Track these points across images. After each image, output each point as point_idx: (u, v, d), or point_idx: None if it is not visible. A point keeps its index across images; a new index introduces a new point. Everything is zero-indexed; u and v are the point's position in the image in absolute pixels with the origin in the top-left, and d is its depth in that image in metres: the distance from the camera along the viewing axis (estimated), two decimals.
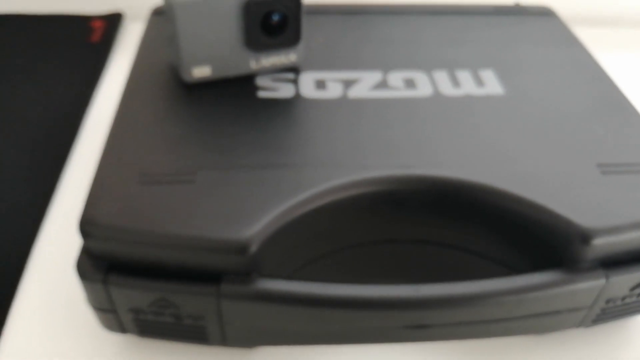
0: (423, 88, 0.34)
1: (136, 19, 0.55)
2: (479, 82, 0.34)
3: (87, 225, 0.25)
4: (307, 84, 0.34)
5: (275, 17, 0.32)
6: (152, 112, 0.31)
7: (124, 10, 0.58)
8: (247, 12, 0.31)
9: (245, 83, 0.34)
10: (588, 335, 0.31)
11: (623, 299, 0.28)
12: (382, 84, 0.34)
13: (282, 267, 0.27)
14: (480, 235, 0.29)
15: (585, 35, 0.40)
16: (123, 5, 0.58)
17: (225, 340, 0.27)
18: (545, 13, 0.41)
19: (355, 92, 0.33)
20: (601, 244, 0.26)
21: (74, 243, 0.28)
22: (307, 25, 0.34)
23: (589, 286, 0.26)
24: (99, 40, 0.53)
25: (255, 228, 0.25)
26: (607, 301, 0.28)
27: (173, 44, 0.32)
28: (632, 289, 0.28)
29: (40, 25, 0.55)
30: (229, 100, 0.32)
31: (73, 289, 0.31)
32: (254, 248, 0.25)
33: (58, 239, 0.35)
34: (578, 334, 0.31)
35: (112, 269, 0.25)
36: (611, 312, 0.29)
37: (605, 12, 0.61)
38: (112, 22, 0.56)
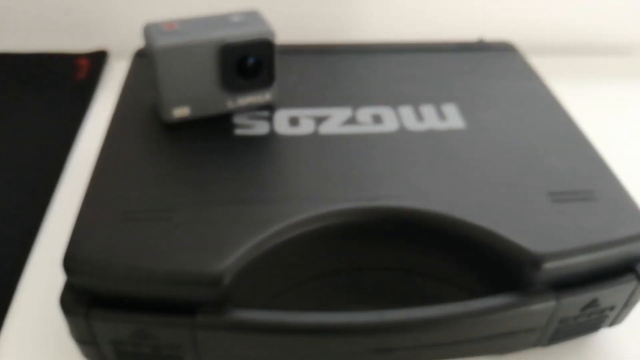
0: (389, 123, 0.36)
1: (121, 57, 0.57)
2: (442, 116, 0.37)
3: (70, 262, 0.26)
4: (282, 121, 0.36)
5: (250, 61, 0.34)
6: (133, 150, 0.33)
7: (109, 48, 0.60)
8: (224, 57, 0.33)
9: (222, 121, 0.36)
10: (547, 354, 0.33)
11: (575, 318, 0.30)
12: (352, 120, 0.36)
13: (256, 297, 0.29)
14: (441, 261, 0.31)
15: (546, 64, 0.43)
16: (108, 43, 0.60)
17: None
18: (507, 48, 0.44)
19: (326, 128, 0.36)
20: (551, 268, 0.28)
21: (59, 278, 0.30)
22: (281, 65, 0.36)
23: (541, 308, 0.28)
24: (84, 78, 0.55)
25: (228, 261, 0.27)
26: (560, 321, 0.30)
27: (154, 86, 0.34)
28: (583, 309, 0.30)
29: (26, 64, 0.57)
30: (207, 139, 0.34)
31: (57, 322, 0.32)
32: (227, 280, 0.26)
33: (44, 274, 0.36)
34: (537, 353, 0.33)
35: (94, 303, 0.27)
36: (565, 331, 0.30)
37: (565, 41, 0.65)
38: (97, 60, 0.58)
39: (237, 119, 0.36)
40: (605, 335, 0.34)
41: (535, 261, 0.28)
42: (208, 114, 0.35)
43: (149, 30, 0.32)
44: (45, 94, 0.53)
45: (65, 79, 0.55)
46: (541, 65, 0.43)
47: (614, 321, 0.32)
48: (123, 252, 0.27)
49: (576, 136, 0.36)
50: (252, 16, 0.34)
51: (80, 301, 0.27)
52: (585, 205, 0.31)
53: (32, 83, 0.54)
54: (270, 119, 0.36)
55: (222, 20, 0.33)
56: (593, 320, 0.31)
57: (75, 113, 0.51)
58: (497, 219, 0.29)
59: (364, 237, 0.30)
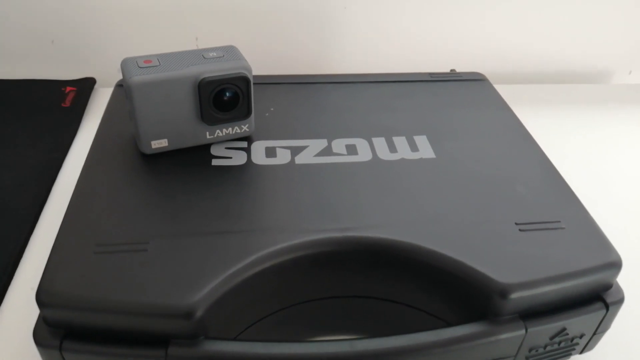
0: (363, 154, 0.37)
1: (108, 85, 0.58)
2: (414, 147, 0.38)
3: (43, 296, 0.27)
4: (258, 151, 0.37)
5: (227, 95, 0.35)
6: (111, 182, 0.34)
7: (97, 76, 0.61)
8: (201, 91, 0.34)
9: (200, 152, 0.37)
10: None
11: (545, 347, 0.30)
12: (327, 151, 0.37)
13: (229, 329, 0.29)
14: (412, 291, 0.31)
15: (516, 93, 0.45)
16: (97, 71, 0.61)
17: None
18: (478, 79, 0.46)
19: (302, 159, 0.36)
20: (518, 297, 0.28)
21: (36, 309, 0.30)
22: (258, 95, 0.37)
23: (510, 337, 0.29)
24: (71, 105, 0.56)
25: (200, 294, 0.27)
26: (530, 350, 0.30)
27: (131, 119, 0.35)
28: (552, 337, 0.30)
29: (13, 90, 0.58)
30: (185, 169, 0.35)
31: (34, 354, 0.32)
32: (199, 313, 0.27)
33: (23, 306, 0.37)
34: None
35: (68, 336, 0.27)
36: (536, 359, 0.31)
37: (534, 70, 0.66)
38: (84, 88, 0.59)
39: (215, 150, 0.37)
40: None
41: (502, 291, 0.28)
42: (187, 145, 0.36)
43: (126, 65, 0.33)
44: (31, 121, 0.54)
45: (52, 106, 0.56)
46: (512, 93, 0.44)
47: (585, 348, 0.33)
48: (96, 285, 0.27)
49: (544, 166, 0.37)
50: (229, 51, 0.35)
51: (54, 334, 0.27)
52: (553, 235, 0.31)
53: (18, 109, 0.55)
54: (247, 150, 0.37)
55: (199, 55, 0.34)
56: (563, 348, 0.31)
57: (62, 140, 0.51)
58: (465, 249, 0.30)
59: (337, 267, 0.31)
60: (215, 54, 0.35)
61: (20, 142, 0.51)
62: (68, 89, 0.59)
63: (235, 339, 0.28)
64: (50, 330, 0.27)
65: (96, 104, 0.58)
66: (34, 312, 0.28)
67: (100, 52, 0.61)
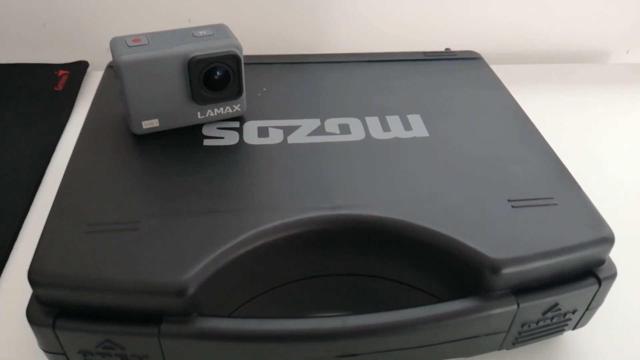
0: (356, 133, 0.37)
1: (101, 68, 0.57)
2: (407, 126, 0.37)
3: (35, 275, 0.27)
4: (250, 131, 0.37)
5: (218, 74, 0.35)
6: (102, 162, 0.34)
7: (89, 59, 0.61)
8: (191, 70, 0.34)
9: (192, 132, 0.36)
10: (512, 356, 0.33)
11: (537, 322, 0.31)
12: (320, 130, 0.37)
13: (222, 306, 0.29)
14: (404, 267, 0.31)
15: (511, 72, 0.44)
16: (90, 54, 0.61)
17: None
18: (472, 57, 0.45)
19: (294, 138, 0.36)
20: (510, 273, 0.29)
21: (29, 290, 0.30)
22: (250, 75, 0.37)
23: (502, 312, 0.29)
24: (64, 88, 0.56)
25: (192, 271, 0.27)
26: (523, 325, 0.30)
27: (122, 99, 0.35)
28: (544, 313, 0.30)
29: (5, 74, 0.58)
30: (177, 149, 0.35)
31: (28, 332, 0.33)
32: (192, 290, 0.27)
33: (17, 285, 0.37)
34: (502, 355, 0.33)
35: (61, 314, 0.27)
36: (528, 334, 0.31)
37: (530, 50, 0.66)
38: (77, 71, 0.58)
39: (207, 130, 0.37)
40: (570, 338, 0.35)
41: (494, 267, 0.28)
42: (178, 126, 0.36)
43: (115, 45, 0.33)
44: (24, 105, 0.53)
45: (45, 90, 0.56)
46: (508, 73, 0.44)
47: (578, 324, 0.33)
48: (88, 263, 0.27)
49: (537, 143, 0.37)
50: (219, 29, 0.35)
51: (47, 313, 0.27)
52: (545, 211, 0.31)
53: (11, 94, 0.55)
54: (239, 130, 0.37)
55: (188, 34, 0.34)
56: (555, 323, 0.31)
57: (55, 123, 0.51)
58: (456, 225, 0.30)
59: (329, 245, 0.31)
60: (205, 32, 0.34)
61: (13, 126, 0.51)
62: (61, 72, 0.58)
63: (228, 317, 0.28)
64: (43, 309, 0.27)
65: (89, 87, 0.57)
66: (28, 293, 0.28)
67: (93, 35, 0.60)
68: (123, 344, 0.27)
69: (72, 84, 0.56)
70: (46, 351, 0.29)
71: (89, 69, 0.60)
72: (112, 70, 0.42)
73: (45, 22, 0.60)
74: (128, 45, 0.33)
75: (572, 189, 0.33)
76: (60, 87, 0.56)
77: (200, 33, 0.34)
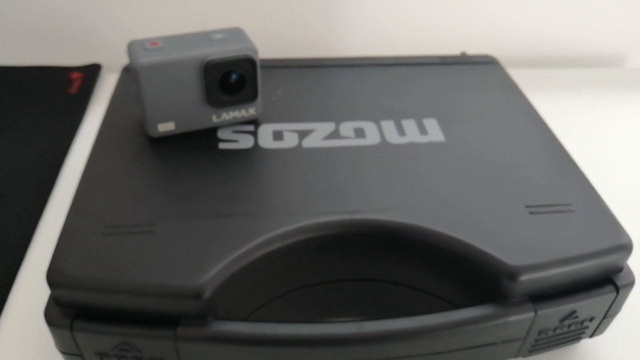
0: (371, 137, 0.37)
1: (115, 70, 0.58)
2: (423, 130, 0.37)
3: (54, 276, 0.27)
4: (266, 135, 0.37)
5: (234, 77, 0.35)
6: (118, 164, 0.34)
7: (104, 61, 0.61)
8: (207, 73, 0.34)
9: (207, 135, 0.36)
10: None
11: (554, 330, 0.30)
12: (335, 134, 0.37)
13: (238, 310, 0.29)
14: (421, 273, 0.31)
15: (528, 77, 0.44)
16: (103, 56, 0.61)
17: None
18: (489, 62, 0.45)
19: (309, 142, 0.36)
20: (528, 280, 0.28)
21: (46, 291, 0.30)
22: (265, 79, 0.37)
23: (520, 319, 0.29)
24: (77, 91, 0.56)
25: (208, 274, 0.27)
26: (540, 332, 0.30)
27: (138, 101, 0.35)
28: (562, 320, 0.30)
29: (19, 77, 0.58)
30: (192, 152, 0.35)
31: (45, 334, 0.33)
32: (208, 293, 0.27)
33: (34, 286, 0.37)
34: None
35: (78, 316, 0.27)
36: (545, 342, 0.31)
37: (547, 54, 0.66)
38: (91, 74, 0.59)
39: (222, 134, 0.37)
40: (587, 346, 0.34)
41: (512, 273, 0.28)
42: (193, 129, 0.36)
43: (132, 48, 0.33)
44: (38, 107, 0.54)
45: (59, 92, 0.56)
46: (523, 77, 0.43)
47: (595, 332, 0.32)
48: (105, 265, 0.27)
49: (555, 149, 0.36)
50: (235, 33, 0.35)
51: (65, 314, 0.27)
52: (563, 218, 0.31)
53: (25, 96, 0.55)
54: (254, 133, 0.37)
55: (205, 37, 0.34)
56: (573, 331, 0.31)
57: (68, 126, 0.51)
58: (474, 231, 0.30)
59: (345, 250, 0.31)
60: (221, 36, 0.34)
61: (27, 128, 0.51)
62: (74, 75, 0.59)
63: (244, 320, 0.28)
64: (61, 310, 0.28)
65: (102, 90, 0.58)
66: (44, 295, 0.28)
67: (106, 38, 0.61)
68: (139, 347, 0.27)
69: (86, 87, 0.57)
70: (63, 352, 0.29)
71: (101, 72, 0.60)
72: (128, 74, 0.42)
73: (59, 25, 0.60)
74: (145, 49, 0.33)
75: (589, 194, 0.33)
76: (74, 90, 0.56)
77: (217, 36, 0.34)
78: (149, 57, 0.32)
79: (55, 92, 0.56)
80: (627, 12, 0.64)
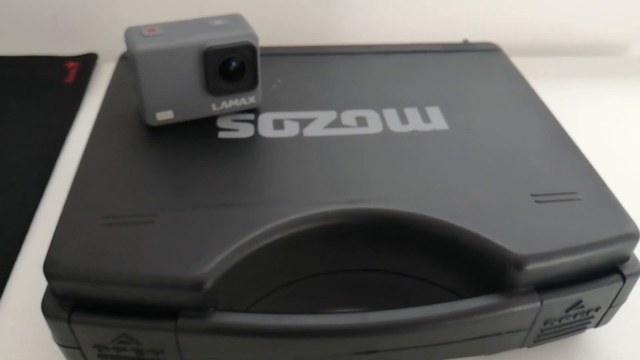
0: (374, 125, 0.36)
1: (111, 60, 0.57)
2: (426, 118, 0.37)
3: (51, 268, 0.26)
4: (266, 124, 0.36)
5: (233, 64, 0.34)
6: (116, 154, 0.33)
7: (100, 51, 0.60)
8: (206, 60, 0.33)
9: (207, 124, 0.36)
10: (533, 354, 0.33)
11: (560, 320, 0.30)
12: (336, 123, 0.36)
13: (239, 301, 0.29)
14: (425, 263, 0.31)
15: (531, 65, 0.43)
16: (99, 46, 0.60)
17: None
18: (492, 49, 0.44)
19: (310, 131, 0.35)
20: (534, 269, 0.28)
21: (43, 283, 0.30)
22: (265, 67, 0.36)
23: (525, 309, 0.28)
24: (74, 80, 0.55)
25: (209, 265, 0.26)
26: (545, 322, 0.30)
27: (136, 89, 0.34)
28: (567, 310, 0.29)
29: (15, 67, 0.57)
30: (191, 142, 0.34)
31: (42, 326, 0.32)
32: (209, 284, 0.26)
33: (30, 278, 0.36)
34: (524, 353, 0.33)
35: (76, 307, 0.27)
36: (551, 332, 0.30)
37: (549, 42, 0.65)
38: (87, 63, 0.58)
39: (221, 122, 0.36)
40: (592, 336, 0.34)
41: (518, 263, 0.28)
42: (192, 117, 0.35)
43: (130, 35, 0.32)
44: (34, 97, 0.53)
45: (55, 82, 0.55)
46: (526, 66, 0.43)
47: (600, 322, 0.32)
48: (104, 256, 0.27)
49: (560, 137, 0.36)
50: (234, 19, 0.34)
51: (62, 306, 0.27)
52: (569, 206, 0.31)
53: (21, 86, 0.54)
54: (254, 122, 0.36)
55: (204, 24, 0.33)
56: (578, 321, 0.31)
57: (65, 116, 0.51)
58: (480, 220, 0.29)
59: (348, 240, 0.30)
60: (220, 22, 0.34)
61: (23, 118, 0.50)
62: (71, 64, 0.58)
63: (245, 311, 0.28)
64: (59, 302, 0.27)
65: (99, 80, 0.57)
66: (41, 286, 0.28)
67: (102, 27, 0.60)
68: (139, 339, 0.27)
69: (83, 76, 0.56)
70: (61, 345, 0.28)
71: (98, 61, 0.59)
72: (125, 62, 0.42)
73: (54, 14, 0.59)
74: (143, 35, 0.32)
75: (595, 183, 0.32)
76: (70, 79, 0.55)
77: (216, 23, 0.34)
78: (147, 44, 0.32)
79: (52, 82, 0.55)
80: (630, 1, 0.63)
